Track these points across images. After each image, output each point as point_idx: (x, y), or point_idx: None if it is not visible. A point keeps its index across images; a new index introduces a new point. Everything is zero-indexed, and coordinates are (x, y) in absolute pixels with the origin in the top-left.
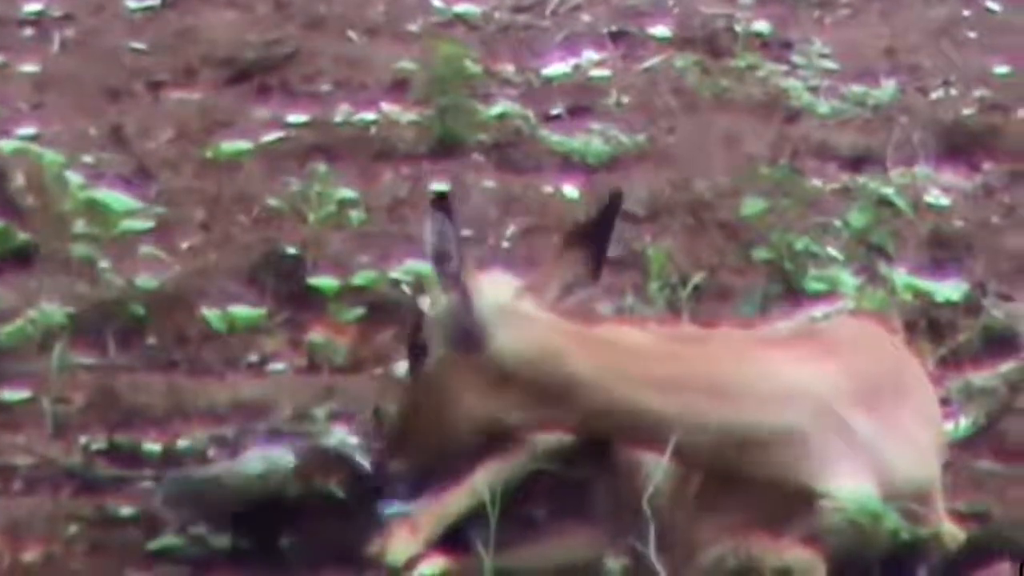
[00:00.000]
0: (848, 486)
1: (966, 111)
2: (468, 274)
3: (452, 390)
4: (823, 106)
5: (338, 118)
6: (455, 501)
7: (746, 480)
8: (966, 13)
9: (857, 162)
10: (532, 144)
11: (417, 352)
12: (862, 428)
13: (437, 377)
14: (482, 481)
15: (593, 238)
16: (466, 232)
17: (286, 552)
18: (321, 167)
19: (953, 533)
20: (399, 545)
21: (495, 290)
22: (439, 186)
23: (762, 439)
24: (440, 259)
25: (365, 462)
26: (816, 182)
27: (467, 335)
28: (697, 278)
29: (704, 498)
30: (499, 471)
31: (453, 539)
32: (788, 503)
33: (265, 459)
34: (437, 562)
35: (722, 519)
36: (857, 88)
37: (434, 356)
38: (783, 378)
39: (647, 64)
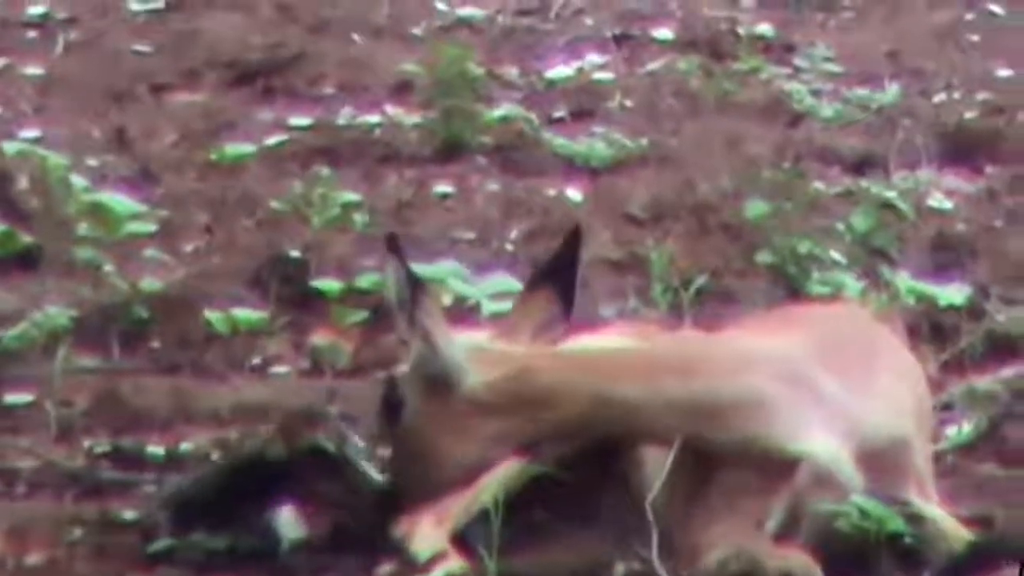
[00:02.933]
0: (818, 444)
1: (969, 115)
2: (431, 317)
3: (435, 436)
4: (826, 109)
5: (342, 121)
6: (483, 492)
7: (721, 454)
8: (969, 16)
9: (860, 166)
10: (535, 147)
11: (393, 408)
12: (829, 387)
13: (418, 427)
14: (510, 471)
15: (559, 276)
16: (469, 235)
17: (286, 553)
18: (324, 170)
19: (958, 533)
20: (425, 536)
21: (466, 334)
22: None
23: (725, 407)
24: (400, 303)
25: (348, 428)
26: (819, 185)
27: (438, 378)
28: (700, 281)
29: (693, 491)
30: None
31: (457, 543)
32: (767, 472)
33: None
34: (455, 564)
35: (719, 517)
36: (860, 91)
37: (411, 408)
38: (742, 347)
39: (650, 67)
